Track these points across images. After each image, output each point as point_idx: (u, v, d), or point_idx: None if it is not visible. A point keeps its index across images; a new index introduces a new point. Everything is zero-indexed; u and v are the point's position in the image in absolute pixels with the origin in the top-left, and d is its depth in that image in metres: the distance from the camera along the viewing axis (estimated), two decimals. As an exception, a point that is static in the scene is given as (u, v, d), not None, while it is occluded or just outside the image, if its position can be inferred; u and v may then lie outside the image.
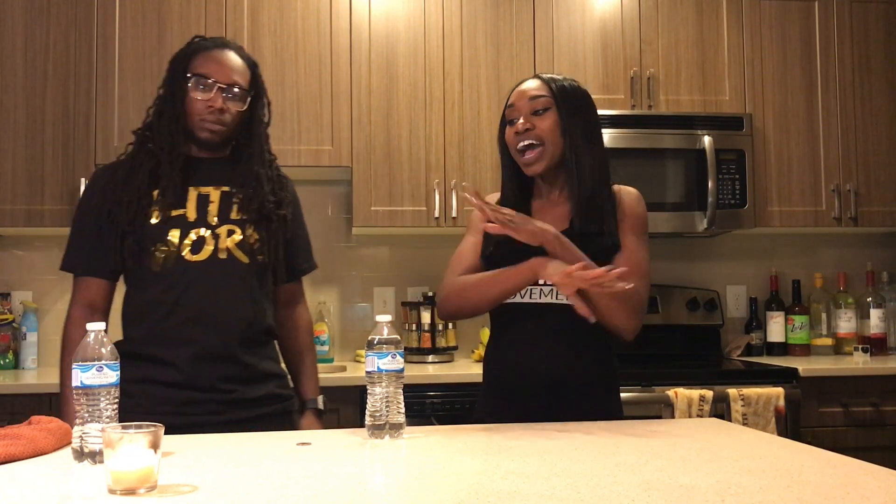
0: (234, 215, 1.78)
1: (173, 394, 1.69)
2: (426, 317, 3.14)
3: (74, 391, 1.22)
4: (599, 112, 1.81)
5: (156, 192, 1.75)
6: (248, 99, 1.81)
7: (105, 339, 1.24)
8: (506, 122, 1.78)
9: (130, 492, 1.03)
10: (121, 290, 1.83)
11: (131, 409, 1.66)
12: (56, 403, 2.57)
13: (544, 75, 1.79)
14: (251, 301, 1.78)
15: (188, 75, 1.76)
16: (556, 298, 1.69)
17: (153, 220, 1.73)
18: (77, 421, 1.22)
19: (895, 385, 2.88)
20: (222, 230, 1.76)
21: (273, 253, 1.82)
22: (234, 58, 1.80)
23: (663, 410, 2.67)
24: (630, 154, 3.11)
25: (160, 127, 1.78)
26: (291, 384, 1.93)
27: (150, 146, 1.78)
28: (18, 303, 3.21)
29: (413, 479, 1.16)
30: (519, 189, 1.79)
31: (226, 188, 1.80)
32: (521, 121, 1.72)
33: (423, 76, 3.12)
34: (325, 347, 3.24)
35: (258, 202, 1.79)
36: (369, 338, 1.42)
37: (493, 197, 1.85)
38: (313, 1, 3.10)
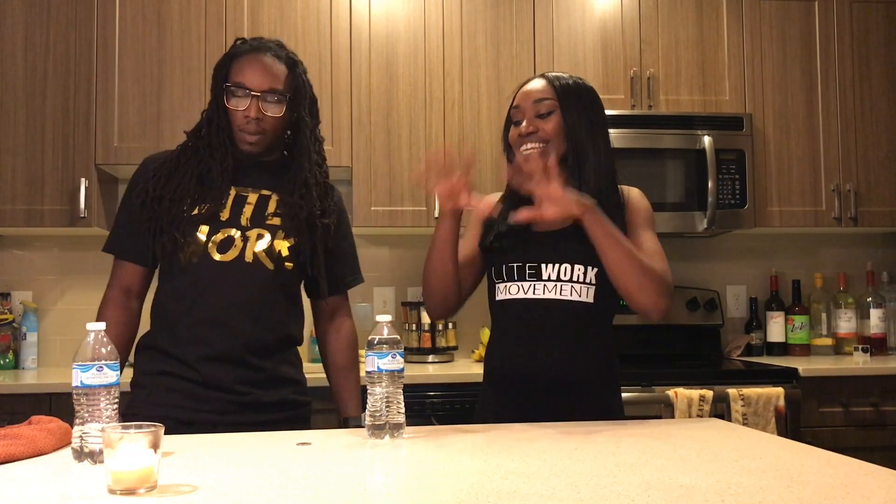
0: (269, 220, 1.76)
1: (187, 387, 1.68)
2: (426, 317, 3.14)
3: (74, 391, 1.22)
4: (599, 112, 1.81)
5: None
6: (286, 103, 1.77)
7: (105, 339, 1.24)
8: (511, 121, 1.78)
9: (130, 492, 1.03)
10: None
11: (143, 400, 1.69)
12: (56, 403, 2.59)
13: (550, 74, 1.77)
14: (270, 308, 1.75)
15: (226, 84, 1.74)
16: (560, 294, 1.69)
17: (187, 214, 1.72)
18: (77, 421, 1.22)
19: (895, 385, 2.88)
20: (252, 233, 1.74)
21: (314, 264, 1.79)
22: (269, 61, 1.75)
23: (663, 410, 2.67)
24: (630, 154, 3.11)
25: (210, 134, 1.76)
26: (308, 392, 1.88)
27: (200, 150, 1.76)
28: (18, 303, 3.21)
29: (413, 479, 1.16)
30: None
31: (266, 191, 1.78)
32: (525, 123, 1.72)
33: (423, 76, 3.12)
34: (325, 347, 3.24)
35: (306, 210, 1.76)
36: (369, 338, 1.42)
37: (494, 197, 1.85)
38: (313, 1, 3.10)
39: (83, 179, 2.91)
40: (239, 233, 1.73)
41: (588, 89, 1.77)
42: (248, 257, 1.73)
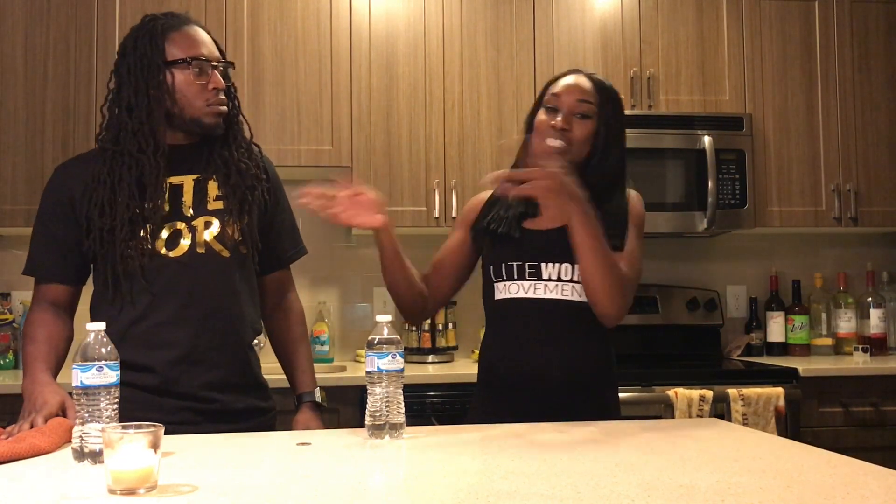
0: (210, 206, 1.66)
1: (150, 399, 1.58)
2: (426, 317, 3.14)
3: (74, 391, 1.22)
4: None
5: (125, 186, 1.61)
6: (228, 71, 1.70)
7: (105, 339, 1.24)
8: (542, 103, 1.74)
9: (130, 492, 1.03)
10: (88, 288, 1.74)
11: None
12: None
13: (595, 77, 1.75)
14: (233, 298, 1.67)
15: (177, 60, 1.62)
16: (560, 294, 1.69)
17: (124, 215, 1.59)
18: (77, 421, 1.22)
19: (895, 385, 2.88)
20: (199, 222, 1.64)
21: (254, 241, 1.70)
22: (202, 31, 1.71)
23: (663, 410, 2.67)
24: (630, 154, 3.00)
25: (140, 124, 1.60)
26: (272, 396, 1.80)
27: (127, 150, 1.61)
28: (18, 303, 3.21)
29: (413, 479, 1.16)
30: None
31: (197, 176, 1.67)
32: (562, 119, 1.69)
33: (423, 76, 3.12)
34: (325, 347, 3.24)
35: (240, 190, 1.67)
36: (369, 338, 1.42)
37: (482, 197, 1.85)
38: (313, 1, 3.09)
39: (83, 179, 2.91)
40: (184, 224, 1.63)
41: (621, 100, 1.78)
42: (200, 248, 1.63)
